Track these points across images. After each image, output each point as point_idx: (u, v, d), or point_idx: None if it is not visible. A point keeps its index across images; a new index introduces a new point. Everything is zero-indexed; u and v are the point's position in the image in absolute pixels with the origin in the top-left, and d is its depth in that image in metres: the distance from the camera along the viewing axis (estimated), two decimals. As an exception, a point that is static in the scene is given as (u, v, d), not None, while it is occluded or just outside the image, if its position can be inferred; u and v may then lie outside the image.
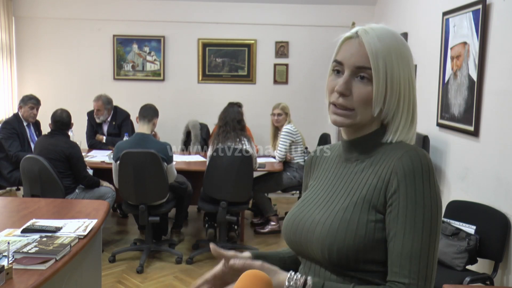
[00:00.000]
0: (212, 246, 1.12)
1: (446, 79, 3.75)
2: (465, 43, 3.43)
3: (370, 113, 1.07)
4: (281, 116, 4.96)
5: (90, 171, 4.30)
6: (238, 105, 4.49)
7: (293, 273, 1.04)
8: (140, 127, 4.01)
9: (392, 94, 1.06)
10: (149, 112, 4.01)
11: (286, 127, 4.85)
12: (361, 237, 1.02)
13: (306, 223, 1.11)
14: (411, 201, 1.00)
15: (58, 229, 2.32)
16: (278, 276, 1.04)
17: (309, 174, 1.29)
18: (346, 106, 1.07)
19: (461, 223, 3.00)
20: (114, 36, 6.09)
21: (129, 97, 5.85)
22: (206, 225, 4.67)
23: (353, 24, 5.75)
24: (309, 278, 1.03)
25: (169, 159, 3.93)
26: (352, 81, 1.07)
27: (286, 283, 1.02)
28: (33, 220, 2.46)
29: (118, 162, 3.87)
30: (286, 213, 6.15)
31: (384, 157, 1.08)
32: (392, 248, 1.01)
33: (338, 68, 1.09)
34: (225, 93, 6.02)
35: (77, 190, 4.09)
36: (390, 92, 1.06)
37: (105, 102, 5.17)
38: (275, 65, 6.20)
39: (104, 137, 5.27)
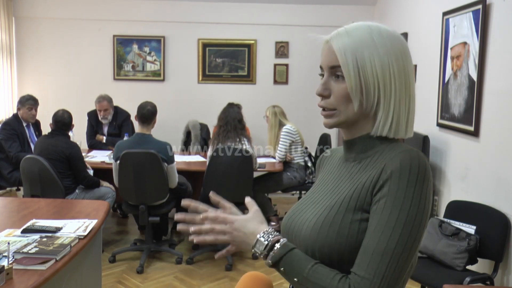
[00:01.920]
0: (211, 193, 1.15)
1: (446, 79, 3.75)
2: (465, 43, 3.43)
3: (353, 109, 1.07)
4: (265, 117, 5.09)
5: (91, 171, 4.30)
6: (238, 107, 4.50)
7: (270, 228, 1.07)
8: (140, 127, 4.01)
9: (369, 86, 1.04)
10: (147, 114, 3.95)
11: (286, 127, 4.85)
12: (343, 236, 1.01)
13: (296, 223, 1.12)
14: (390, 199, 0.98)
15: (58, 229, 2.32)
16: (258, 226, 1.08)
17: (318, 174, 1.29)
18: (326, 106, 1.10)
19: (461, 223, 3.00)
20: (114, 36, 6.09)
21: (129, 97, 5.84)
22: (206, 225, 4.66)
23: (353, 24, 5.75)
24: (282, 239, 1.05)
25: (170, 159, 3.92)
26: (330, 81, 1.09)
27: (259, 235, 1.06)
28: (33, 220, 2.46)
29: (118, 161, 3.87)
30: (286, 213, 6.16)
31: (379, 157, 1.06)
32: (363, 242, 1.00)
33: (322, 73, 1.13)
34: (225, 93, 6.02)
35: (77, 190, 4.09)
36: (365, 84, 1.04)
37: (109, 100, 5.19)
38: (275, 65, 6.20)
39: (104, 137, 5.28)
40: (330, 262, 1.02)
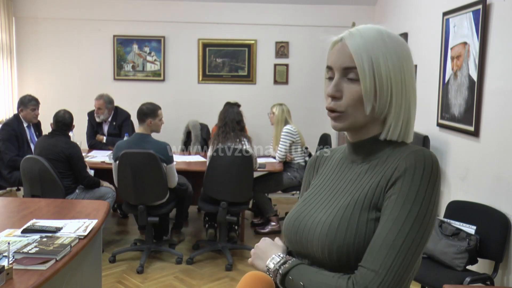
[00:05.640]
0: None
1: (446, 79, 3.75)
2: (465, 43, 3.43)
3: (363, 113, 1.07)
4: (270, 114, 5.06)
5: (91, 172, 4.30)
6: (237, 105, 4.50)
7: (276, 255, 1.13)
8: (139, 128, 4.03)
9: (383, 89, 1.05)
10: (138, 114, 4.00)
11: (286, 128, 4.85)
12: (361, 235, 1.02)
13: (307, 223, 1.11)
14: (402, 195, 0.99)
15: (58, 229, 2.32)
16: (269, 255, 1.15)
17: (312, 173, 1.28)
18: (336, 109, 1.07)
19: (461, 223, 3.00)
20: (114, 36, 6.09)
21: (130, 98, 5.85)
22: (206, 225, 4.67)
23: (353, 25, 5.75)
24: (294, 258, 1.11)
25: (168, 160, 3.92)
26: (342, 82, 1.07)
27: (268, 262, 1.12)
28: (33, 221, 2.46)
29: (117, 162, 3.87)
30: (286, 213, 6.09)
31: (390, 158, 1.07)
32: (374, 236, 1.00)
33: (330, 74, 1.10)
34: (225, 93, 6.02)
35: (77, 191, 4.09)
36: (379, 88, 1.04)
37: (106, 101, 5.19)
38: (275, 65, 6.21)
39: (105, 137, 5.28)
40: (348, 261, 1.02)
